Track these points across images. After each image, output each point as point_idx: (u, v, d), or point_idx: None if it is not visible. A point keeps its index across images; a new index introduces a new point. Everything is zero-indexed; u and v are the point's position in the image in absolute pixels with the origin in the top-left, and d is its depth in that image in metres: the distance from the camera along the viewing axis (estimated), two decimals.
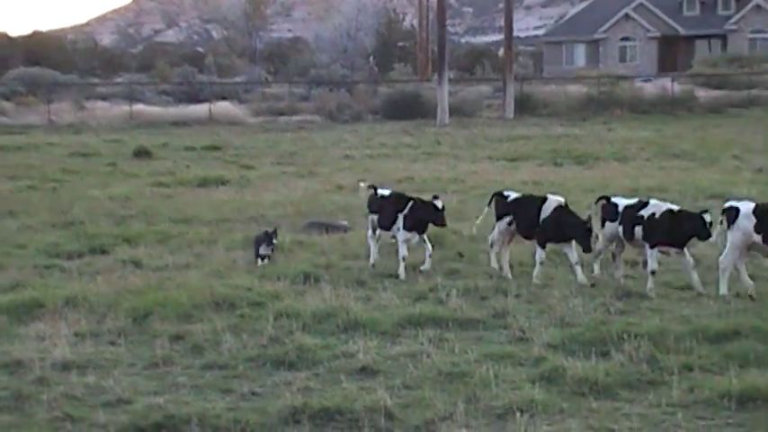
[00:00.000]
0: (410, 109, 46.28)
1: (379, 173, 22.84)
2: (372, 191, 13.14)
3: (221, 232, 15.32)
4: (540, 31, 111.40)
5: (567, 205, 11.94)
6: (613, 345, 8.79)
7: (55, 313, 10.12)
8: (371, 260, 12.81)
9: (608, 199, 11.96)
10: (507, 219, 12.24)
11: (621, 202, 11.77)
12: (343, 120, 45.95)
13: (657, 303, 10.71)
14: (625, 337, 8.85)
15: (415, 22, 71.69)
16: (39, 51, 72.84)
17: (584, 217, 11.71)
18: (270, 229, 13.23)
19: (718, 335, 9.13)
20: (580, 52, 78.80)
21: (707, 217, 10.96)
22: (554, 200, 11.99)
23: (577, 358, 8.43)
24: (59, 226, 16.03)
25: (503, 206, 12.37)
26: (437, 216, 12.20)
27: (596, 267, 11.86)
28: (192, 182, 22.20)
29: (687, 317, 10.01)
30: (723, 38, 76.84)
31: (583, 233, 11.52)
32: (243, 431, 7.14)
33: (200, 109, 47.12)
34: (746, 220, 10.81)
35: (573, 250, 11.76)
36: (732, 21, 76.50)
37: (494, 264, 12.31)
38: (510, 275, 12.02)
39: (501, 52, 60.83)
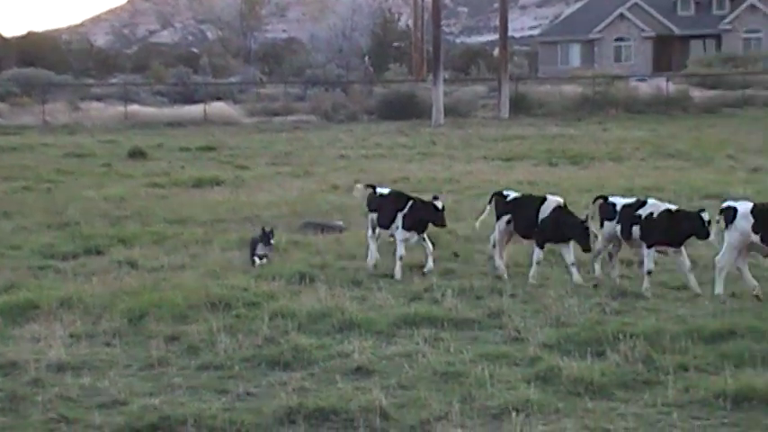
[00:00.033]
0: (405, 109, 46.28)
1: (374, 173, 22.83)
2: (371, 190, 13.13)
3: (216, 233, 15.31)
4: (535, 31, 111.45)
5: (565, 205, 11.94)
6: (609, 344, 8.80)
7: (50, 314, 10.10)
8: (372, 261, 12.72)
9: (605, 198, 11.96)
10: (506, 217, 12.22)
11: (619, 201, 11.77)
12: (339, 120, 45.94)
13: (653, 303, 10.72)
14: (621, 336, 8.85)
15: (411, 22, 71.67)
16: (33, 52, 72.70)
17: (583, 217, 11.70)
18: (267, 228, 13.16)
19: (714, 335, 9.14)
20: (575, 52, 78.86)
21: (705, 216, 10.95)
22: (553, 200, 11.98)
23: (573, 358, 8.43)
24: (54, 227, 16.01)
25: (502, 205, 12.36)
26: (437, 216, 12.18)
27: (597, 267, 11.81)
28: (187, 182, 22.18)
29: (683, 317, 10.02)
30: (718, 38, 76.92)
31: (581, 233, 11.52)
32: (238, 431, 7.15)
33: (195, 109, 47.09)
34: (744, 221, 10.81)
35: (570, 250, 11.76)
36: (726, 20, 76.60)
37: (498, 263, 12.23)
38: (506, 275, 12.01)
39: (496, 52, 60.87)
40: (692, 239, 11.26)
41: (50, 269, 12.79)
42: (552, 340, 9.11)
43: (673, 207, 11.45)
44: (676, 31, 77.54)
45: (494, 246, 12.37)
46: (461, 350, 8.84)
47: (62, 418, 7.40)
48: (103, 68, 76.32)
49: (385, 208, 12.63)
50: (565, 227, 11.67)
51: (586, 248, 11.62)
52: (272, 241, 12.92)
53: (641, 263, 11.45)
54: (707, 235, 10.96)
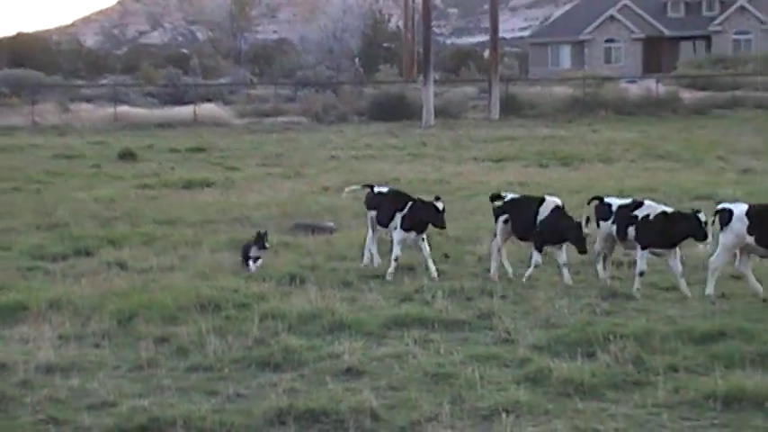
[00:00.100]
0: (395, 110, 46.29)
1: (364, 174, 22.82)
2: (369, 189, 13.05)
3: (206, 234, 15.28)
4: (526, 33, 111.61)
5: (563, 206, 11.91)
6: (599, 345, 8.80)
7: (39, 316, 10.06)
8: (373, 262, 12.58)
9: (601, 199, 11.93)
10: (503, 217, 12.17)
11: (615, 201, 11.75)
12: (329, 121, 45.94)
13: (643, 304, 10.73)
14: (611, 337, 8.86)
15: (401, 24, 71.72)
16: (23, 52, 72.54)
17: (581, 219, 11.65)
18: (262, 231, 12.99)
19: (704, 335, 9.15)
20: (565, 53, 78.98)
21: (702, 217, 10.92)
22: (551, 201, 11.94)
23: (563, 359, 8.43)
24: (43, 228, 15.97)
25: (499, 206, 12.28)
26: (437, 218, 12.04)
27: (600, 269, 11.73)
28: (177, 184, 22.15)
29: (673, 317, 10.03)
30: (707, 39, 77.11)
31: (578, 235, 11.49)
32: None
33: (185, 111, 47.04)
34: (739, 223, 10.82)
35: (563, 251, 11.75)
36: (716, 22, 76.80)
37: (506, 265, 12.16)
38: (497, 277, 12.00)
39: (486, 53, 60.93)
40: (688, 241, 11.23)
41: (39, 270, 12.75)
42: (542, 341, 9.11)
43: (669, 209, 11.44)
44: (666, 32, 77.72)
45: (498, 251, 12.21)
46: (452, 351, 8.83)
47: (51, 419, 7.37)
48: (93, 69, 76.20)
49: (384, 206, 12.55)
50: (562, 228, 11.64)
51: (582, 250, 11.60)
52: (267, 245, 12.74)
53: (635, 263, 11.43)
54: (705, 236, 10.92)
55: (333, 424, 7.28)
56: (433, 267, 12.09)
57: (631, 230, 11.30)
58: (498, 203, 12.31)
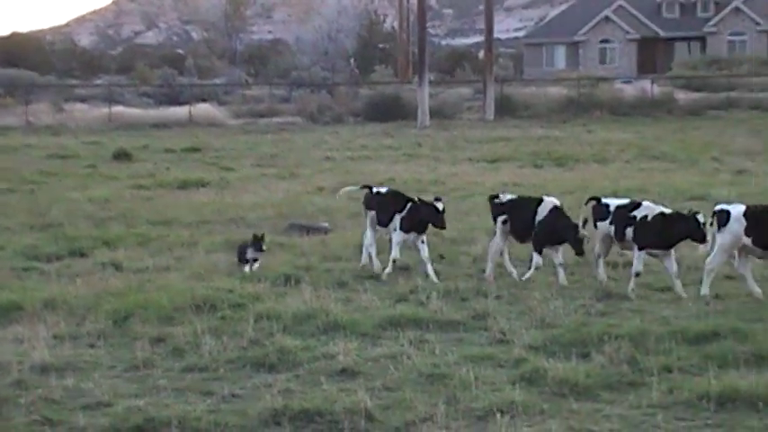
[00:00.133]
0: (391, 111, 46.29)
1: (360, 174, 22.82)
2: (368, 190, 12.98)
3: (201, 234, 15.28)
4: (521, 33, 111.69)
5: (562, 207, 11.90)
6: (594, 346, 8.81)
7: (33, 316, 10.05)
8: (372, 263, 12.44)
9: (598, 200, 11.92)
10: (502, 218, 12.12)
11: (613, 202, 11.74)
12: (324, 121, 45.93)
13: (638, 305, 10.74)
14: (605, 338, 8.87)
15: (396, 24, 71.71)
16: (17, 52, 72.44)
17: (579, 220, 11.64)
18: (258, 233, 12.84)
19: (698, 336, 9.16)
20: (560, 54, 79.04)
21: (701, 218, 10.91)
22: (550, 201, 11.92)
23: (558, 359, 8.44)
24: (38, 228, 15.95)
25: (497, 207, 12.24)
26: (437, 218, 11.98)
27: (601, 271, 11.70)
28: (172, 184, 22.14)
29: (667, 318, 10.04)
30: (702, 40, 77.20)
31: (575, 236, 11.48)
32: None
33: (180, 111, 47.01)
34: (737, 224, 10.83)
35: (559, 252, 11.75)
36: (711, 23, 76.89)
37: (509, 267, 12.15)
38: (492, 278, 12.00)
39: (481, 54, 60.90)
40: (686, 242, 11.23)
41: (34, 270, 12.74)
42: (537, 342, 9.12)
43: (667, 210, 11.44)
44: (661, 33, 77.82)
45: (500, 254, 12.16)
46: (446, 352, 8.83)
47: (46, 419, 7.36)
48: (88, 69, 76.12)
49: (383, 207, 12.46)
50: (560, 229, 11.63)
51: (579, 253, 11.59)
52: (264, 247, 12.60)
53: (631, 264, 11.42)
54: (703, 237, 10.92)
55: (327, 424, 7.28)
56: (432, 271, 11.99)
57: (629, 231, 11.29)
58: (497, 203, 12.28)
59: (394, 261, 12.19)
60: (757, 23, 75.71)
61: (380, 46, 77.63)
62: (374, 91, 51.10)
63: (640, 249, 11.21)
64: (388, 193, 12.78)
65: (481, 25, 63.10)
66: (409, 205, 12.22)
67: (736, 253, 11.02)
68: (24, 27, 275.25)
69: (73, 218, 16.81)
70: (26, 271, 12.70)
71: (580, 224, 11.63)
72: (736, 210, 10.94)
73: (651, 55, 76.99)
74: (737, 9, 76.54)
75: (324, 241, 14.56)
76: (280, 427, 7.24)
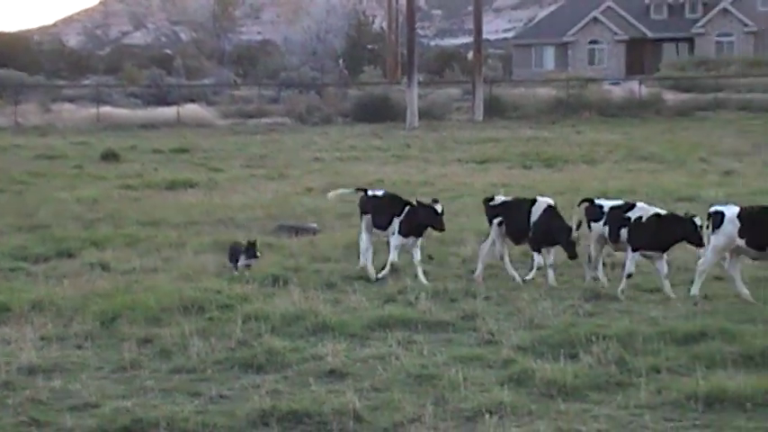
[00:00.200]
0: (380, 112, 46.28)
1: (349, 175, 22.82)
2: (363, 193, 12.88)
3: (190, 235, 15.24)
4: (510, 34, 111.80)
5: (556, 207, 11.89)
6: (582, 347, 8.82)
7: (21, 317, 10.02)
8: (368, 268, 12.24)
9: (591, 201, 11.90)
10: (497, 220, 12.09)
11: (607, 203, 11.73)
12: (313, 122, 45.89)
13: (626, 305, 10.75)
14: (594, 339, 8.87)
15: (385, 25, 71.73)
16: (5, 53, 72.18)
17: (572, 222, 11.63)
18: (252, 239, 12.61)
19: (686, 336, 9.18)
20: (549, 55, 79.16)
21: (698, 221, 10.89)
22: (543, 201, 11.89)
23: (546, 360, 8.44)
24: (25, 229, 15.90)
25: (491, 209, 12.20)
26: (436, 220, 11.89)
27: (600, 274, 11.70)
28: (160, 185, 22.09)
29: (655, 319, 10.06)
30: (690, 41, 77.39)
31: (568, 239, 11.47)
32: None
33: (169, 111, 46.90)
34: (731, 225, 10.85)
35: (551, 253, 11.74)
36: (699, 24, 77.09)
37: (510, 271, 12.09)
38: (481, 279, 11.99)
39: (470, 55, 60.99)
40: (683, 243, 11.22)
41: (21, 271, 12.70)
42: (526, 342, 9.13)
43: (662, 211, 11.43)
44: (649, 34, 77.99)
45: (501, 258, 12.13)
46: (435, 353, 8.84)
47: (33, 421, 7.34)
48: (76, 70, 75.94)
49: (380, 210, 12.32)
50: (554, 230, 11.61)
51: (572, 256, 11.57)
52: (258, 254, 12.36)
53: (623, 265, 11.41)
54: (700, 240, 10.91)
55: (316, 425, 7.28)
56: (422, 276, 11.91)
57: (624, 232, 11.28)
58: (492, 205, 12.25)
59: (392, 265, 12.12)
60: (745, 24, 75.95)
61: (369, 46, 77.63)
62: (363, 92, 51.08)
63: (634, 251, 11.19)
64: (384, 196, 12.63)
65: (470, 26, 63.18)
66: (407, 208, 12.11)
67: (727, 254, 11.03)
68: (12, 27, 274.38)
69: (61, 218, 16.76)
70: (13, 272, 12.66)
71: (573, 226, 11.62)
72: (731, 211, 10.95)
73: (639, 56, 77.16)
74: (725, 10, 76.77)
75: (312, 242, 14.54)
76: (268, 428, 7.23)
